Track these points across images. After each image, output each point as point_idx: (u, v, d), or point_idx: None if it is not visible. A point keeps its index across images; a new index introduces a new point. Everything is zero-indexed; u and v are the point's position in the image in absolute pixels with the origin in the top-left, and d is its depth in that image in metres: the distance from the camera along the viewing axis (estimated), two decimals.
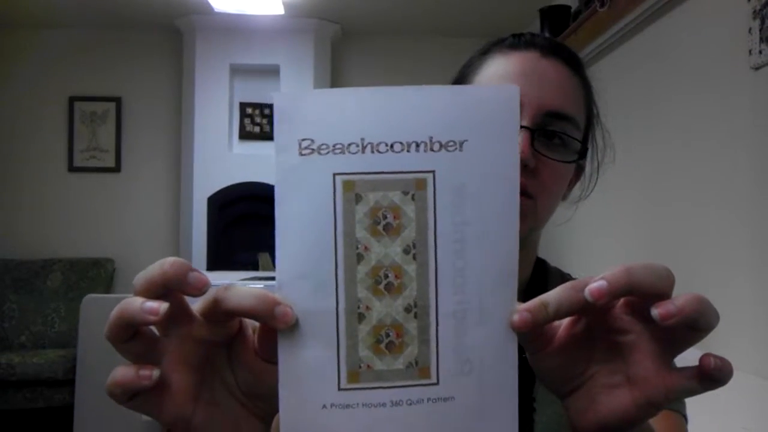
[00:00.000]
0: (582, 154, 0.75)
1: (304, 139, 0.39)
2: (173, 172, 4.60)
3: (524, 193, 0.69)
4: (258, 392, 0.42)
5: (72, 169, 4.57)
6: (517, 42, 0.76)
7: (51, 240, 4.48)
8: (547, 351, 0.42)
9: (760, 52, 1.72)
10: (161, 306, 0.37)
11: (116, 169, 4.60)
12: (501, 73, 0.74)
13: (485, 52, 0.79)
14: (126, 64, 4.59)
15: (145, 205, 4.62)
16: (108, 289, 4.29)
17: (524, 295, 0.77)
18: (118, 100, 4.58)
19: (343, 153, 0.39)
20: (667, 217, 2.29)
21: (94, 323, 2.79)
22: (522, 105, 0.70)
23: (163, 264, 0.38)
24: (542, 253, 0.83)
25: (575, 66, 0.76)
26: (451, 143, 0.39)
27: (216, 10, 3.95)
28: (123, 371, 0.38)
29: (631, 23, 2.52)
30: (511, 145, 0.40)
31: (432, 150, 0.39)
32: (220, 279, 2.68)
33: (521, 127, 0.68)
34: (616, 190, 2.72)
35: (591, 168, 0.83)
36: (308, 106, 0.39)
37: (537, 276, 0.80)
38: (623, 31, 2.60)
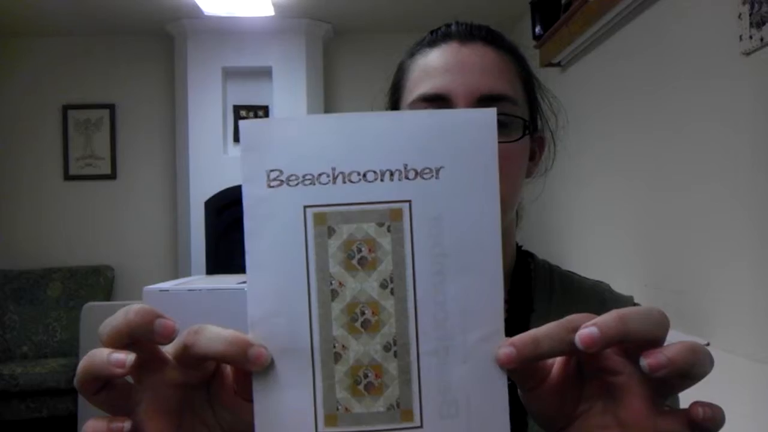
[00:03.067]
0: (529, 129, 0.73)
1: (272, 170, 0.37)
2: (169, 176, 4.59)
3: None
4: (240, 431, 0.41)
5: (68, 177, 4.56)
6: (434, 37, 0.76)
7: (49, 249, 4.47)
8: (541, 390, 0.40)
9: (751, 37, 1.72)
10: (128, 357, 0.36)
11: (112, 176, 4.59)
12: (424, 73, 0.73)
13: (411, 55, 0.78)
14: (118, 70, 4.58)
15: (142, 211, 4.61)
16: (108, 296, 4.29)
17: (509, 286, 0.76)
18: (111, 107, 4.57)
19: (314, 184, 0.37)
20: (665, 203, 2.29)
21: (95, 331, 2.74)
22: (451, 99, 0.69)
23: (128, 312, 0.37)
24: (540, 245, 0.82)
25: (498, 43, 0.75)
26: (427, 170, 0.38)
27: (206, 14, 3.94)
28: (93, 425, 0.37)
29: (621, 12, 2.51)
30: (490, 170, 0.38)
31: (407, 178, 0.38)
32: (220, 282, 2.67)
33: None
34: (615, 178, 2.72)
35: (548, 139, 0.81)
36: (276, 134, 0.38)
37: (521, 268, 0.78)
38: (614, 21, 2.60)
